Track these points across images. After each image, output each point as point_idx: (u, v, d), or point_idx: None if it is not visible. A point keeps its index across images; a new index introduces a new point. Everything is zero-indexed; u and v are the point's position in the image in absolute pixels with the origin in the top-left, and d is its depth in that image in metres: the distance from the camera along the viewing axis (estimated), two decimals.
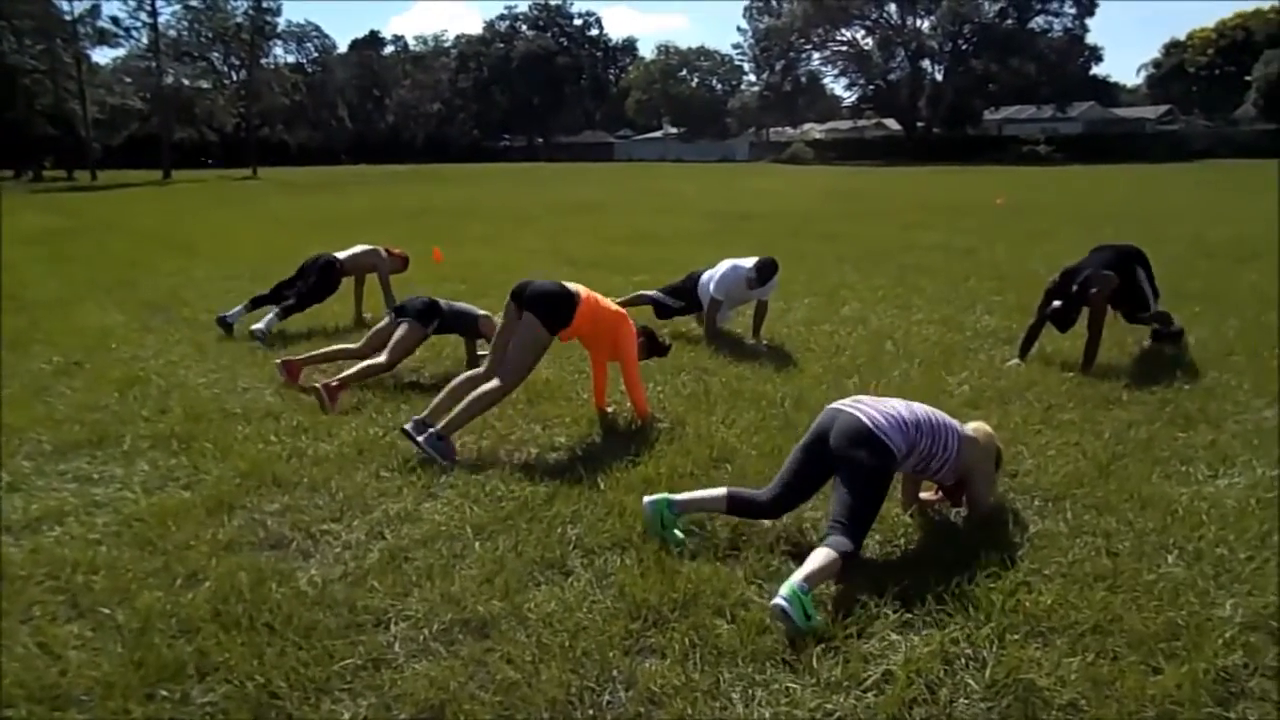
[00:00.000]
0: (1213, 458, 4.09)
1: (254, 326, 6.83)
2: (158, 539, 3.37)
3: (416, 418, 4.30)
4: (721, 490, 3.39)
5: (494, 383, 4.31)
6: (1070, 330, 5.89)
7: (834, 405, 3.39)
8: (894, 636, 2.69)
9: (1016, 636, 2.67)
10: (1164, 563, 3.09)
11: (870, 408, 3.27)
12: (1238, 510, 3.48)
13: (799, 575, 2.79)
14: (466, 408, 4.23)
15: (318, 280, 7.24)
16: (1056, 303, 5.72)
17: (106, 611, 2.84)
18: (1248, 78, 58.78)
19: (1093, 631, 2.68)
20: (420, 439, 4.13)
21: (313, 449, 4.37)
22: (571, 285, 4.59)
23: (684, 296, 6.99)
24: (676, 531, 3.31)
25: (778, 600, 2.70)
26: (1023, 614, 2.77)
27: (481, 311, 5.96)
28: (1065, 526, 3.41)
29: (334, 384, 5.12)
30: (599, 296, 4.68)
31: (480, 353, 5.75)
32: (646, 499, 3.37)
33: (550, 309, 4.40)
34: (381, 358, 5.44)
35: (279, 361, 5.60)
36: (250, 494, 3.83)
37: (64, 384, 5.65)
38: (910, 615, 2.77)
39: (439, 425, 4.19)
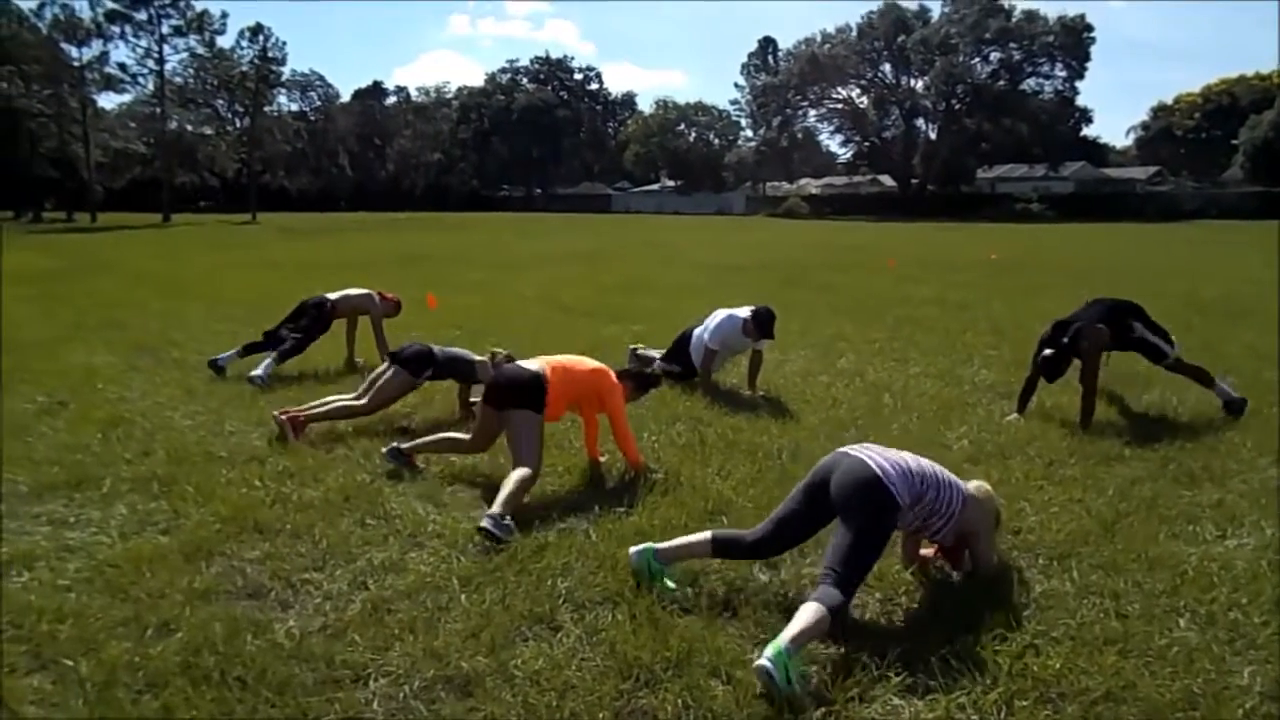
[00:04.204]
0: (1220, 517, 3.99)
1: (252, 373, 6.65)
2: (130, 586, 3.24)
3: (492, 512, 3.79)
4: (705, 534, 3.33)
5: (522, 471, 4.07)
6: (1064, 382, 5.82)
7: (841, 449, 3.31)
8: (897, 701, 2.57)
9: (1025, 703, 2.55)
10: (1176, 626, 2.98)
11: (879, 455, 3.19)
12: (1249, 573, 3.37)
13: (785, 635, 2.68)
14: (514, 490, 3.94)
15: (310, 322, 7.18)
16: (1048, 351, 5.68)
17: (70, 663, 2.70)
18: (1234, 141, 59.92)
19: (1105, 699, 2.56)
20: (495, 531, 3.71)
21: (297, 494, 4.25)
22: (533, 365, 4.46)
23: (680, 359, 6.89)
24: (667, 582, 3.23)
25: (762, 661, 2.60)
26: (1031, 679, 2.65)
27: (478, 357, 5.88)
28: (1071, 586, 3.30)
29: (301, 418, 5.09)
30: (568, 363, 4.56)
31: (473, 399, 5.65)
32: (632, 550, 3.32)
33: (528, 398, 4.31)
34: (362, 400, 5.37)
35: (283, 418, 5.17)
36: (230, 540, 3.70)
37: (46, 424, 5.53)
38: (914, 679, 2.65)
39: (494, 508, 3.82)
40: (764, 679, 2.58)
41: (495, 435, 4.55)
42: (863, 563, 3.00)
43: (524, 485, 4.06)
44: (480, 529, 3.73)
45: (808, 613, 2.79)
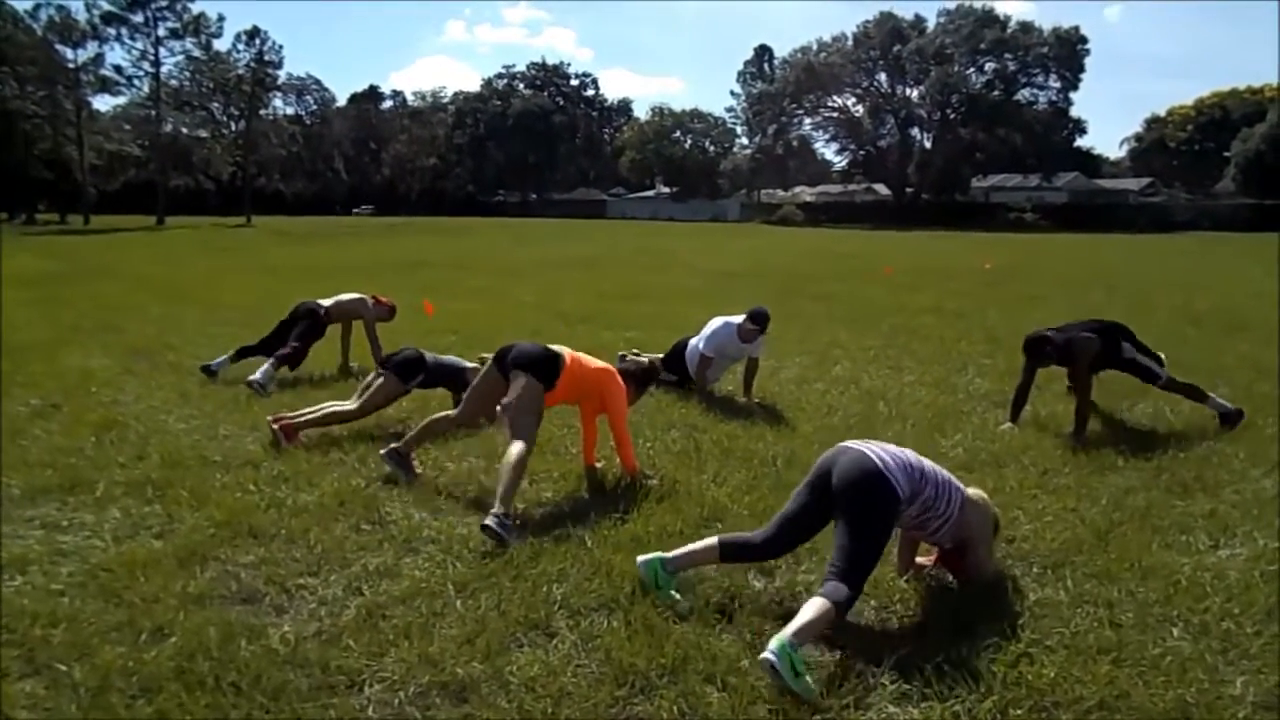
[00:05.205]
0: (1213, 527, 4.01)
1: (250, 377, 6.60)
2: (124, 591, 3.22)
3: (495, 512, 3.78)
4: (712, 540, 3.31)
5: (517, 447, 4.09)
6: (1058, 392, 5.85)
7: (843, 444, 3.32)
8: (892, 709, 2.58)
9: (1019, 711, 2.55)
10: (1169, 636, 2.99)
11: (879, 448, 3.22)
12: (1241, 583, 3.39)
13: (790, 629, 2.70)
14: (509, 479, 3.94)
15: (305, 329, 7.15)
16: (1048, 332, 5.70)
17: (64, 668, 2.69)
18: (1226, 154, 60.27)
19: (1099, 708, 2.57)
20: (500, 531, 3.70)
21: (292, 499, 4.24)
22: (555, 347, 4.55)
23: (675, 367, 6.88)
24: (673, 592, 3.21)
25: (766, 655, 2.61)
26: (1025, 687, 2.66)
27: (469, 364, 5.89)
28: (1066, 595, 3.31)
29: (293, 425, 5.11)
30: (583, 357, 4.62)
31: None
32: (640, 559, 3.28)
33: (539, 369, 4.38)
34: (351, 405, 5.38)
35: (276, 426, 5.16)
36: (225, 545, 3.69)
37: (40, 427, 5.50)
38: (908, 686, 2.66)
39: (495, 507, 3.80)
40: (768, 671, 2.59)
41: (491, 405, 4.53)
42: (866, 556, 3.00)
43: (520, 466, 4.05)
44: (484, 527, 3.72)
45: (812, 607, 2.80)
